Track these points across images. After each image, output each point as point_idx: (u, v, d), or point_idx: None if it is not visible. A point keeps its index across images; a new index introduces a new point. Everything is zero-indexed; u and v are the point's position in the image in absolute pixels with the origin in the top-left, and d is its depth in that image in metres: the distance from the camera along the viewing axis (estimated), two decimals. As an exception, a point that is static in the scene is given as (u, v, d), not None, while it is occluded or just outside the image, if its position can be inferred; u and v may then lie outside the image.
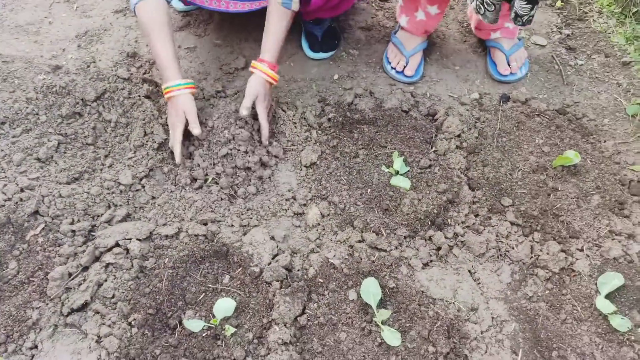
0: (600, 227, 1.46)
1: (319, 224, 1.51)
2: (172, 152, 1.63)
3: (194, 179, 1.57)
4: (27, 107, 1.68)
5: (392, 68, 1.91)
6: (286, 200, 1.56)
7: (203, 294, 1.37)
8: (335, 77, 1.90)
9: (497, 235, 1.47)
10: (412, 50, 1.89)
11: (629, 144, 1.69)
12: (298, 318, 1.30)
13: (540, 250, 1.43)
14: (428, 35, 1.93)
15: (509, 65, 1.89)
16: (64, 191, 1.49)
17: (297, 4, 1.55)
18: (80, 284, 1.33)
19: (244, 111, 1.55)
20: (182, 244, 1.43)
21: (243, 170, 1.56)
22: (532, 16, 1.56)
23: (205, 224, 1.48)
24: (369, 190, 1.55)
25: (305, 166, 1.63)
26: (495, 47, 1.92)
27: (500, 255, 1.44)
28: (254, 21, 1.97)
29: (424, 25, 1.86)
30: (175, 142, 1.56)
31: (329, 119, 1.73)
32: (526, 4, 1.51)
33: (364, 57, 1.98)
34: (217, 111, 1.65)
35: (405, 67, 1.89)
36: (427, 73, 1.94)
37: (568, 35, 2.05)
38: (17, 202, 1.46)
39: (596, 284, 1.35)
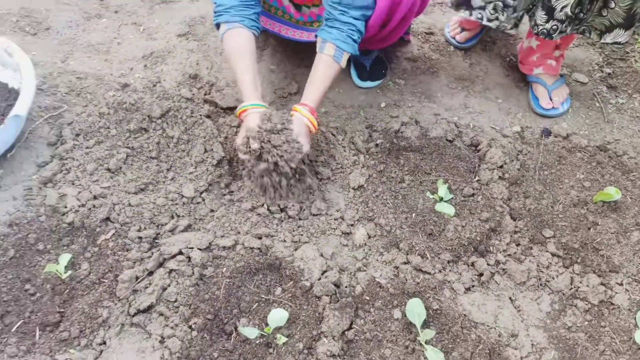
0: None
1: (365, 244, 1.59)
2: (229, 168, 1.74)
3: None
4: (99, 121, 1.83)
5: (449, 32, 2.26)
6: (334, 219, 1.66)
7: (256, 304, 1.46)
8: (382, 105, 2.00)
9: (538, 265, 1.53)
10: (468, 25, 2.17)
11: (669, 183, 1.74)
12: (346, 332, 1.39)
13: (580, 282, 1.49)
14: (466, 27, 2.20)
15: (551, 100, 1.97)
16: (133, 200, 1.62)
17: (345, 61, 1.63)
18: (147, 287, 1.45)
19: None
20: (238, 255, 1.54)
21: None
22: (548, 30, 1.69)
23: (260, 238, 1.58)
24: (414, 214, 1.63)
25: (353, 188, 1.72)
26: (537, 82, 2.00)
27: (541, 284, 1.50)
28: (306, 50, 2.09)
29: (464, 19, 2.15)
30: (238, 147, 1.61)
31: (377, 145, 1.83)
32: (544, 14, 1.66)
33: (410, 87, 2.08)
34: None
35: (459, 33, 2.19)
36: (470, 104, 2.02)
37: (609, 74, 2.12)
38: (90, 209, 1.59)
39: (635, 319, 1.40)
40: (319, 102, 1.64)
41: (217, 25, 1.70)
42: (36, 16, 2.29)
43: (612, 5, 1.61)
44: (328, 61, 1.60)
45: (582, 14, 1.65)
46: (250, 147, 1.56)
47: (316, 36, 1.65)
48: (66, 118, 1.85)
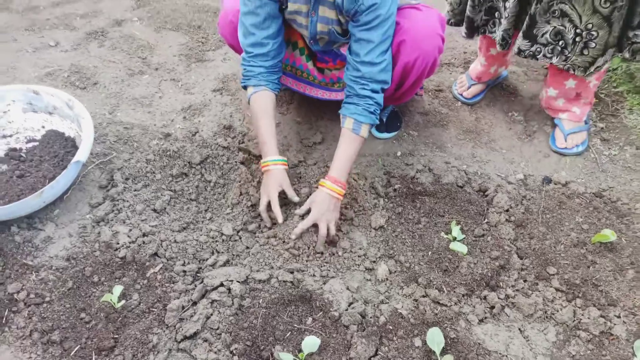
0: (635, 298, 1.67)
1: (387, 279, 1.76)
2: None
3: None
4: (146, 167, 2.05)
5: (456, 89, 2.53)
6: (358, 256, 1.83)
7: (289, 332, 1.61)
8: (398, 153, 2.22)
9: (543, 299, 1.69)
10: (475, 81, 2.44)
11: (659, 226, 1.92)
12: (372, 358, 1.53)
13: (582, 315, 1.65)
14: (482, 81, 2.47)
15: (565, 142, 2.22)
16: (179, 237, 1.81)
17: (366, 132, 1.79)
18: (192, 316, 1.60)
19: (296, 232, 1.78)
20: (273, 288, 1.70)
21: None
22: (533, 52, 2.00)
23: (292, 273, 1.75)
24: (430, 252, 1.81)
25: (374, 229, 1.91)
26: (558, 125, 2.27)
27: (547, 317, 1.66)
28: (328, 105, 2.33)
29: (477, 72, 2.44)
30: (262, 208, 1.84)
31: (395, 190, 2.03)
32: (528, 42, 1.98)
33: (422, 138, 2.31)
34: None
35: (465, 90, 2.47)
36: (477, 154, 2.24)
37: (602, 128, 2.35)
38: (140, 245, 1.78)
39: (632, 348, 1.55)
40: (343, 170, 1.79)
41: (245, 87, 1.94)
42: (85, 72, 2.57)
43: (593, 45, 1.88)
44: (348, 134, 1.79)
45: (566, 51, 1.93)
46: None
47: (339, 113, 1.86)
48: (116, 164, 2.06)
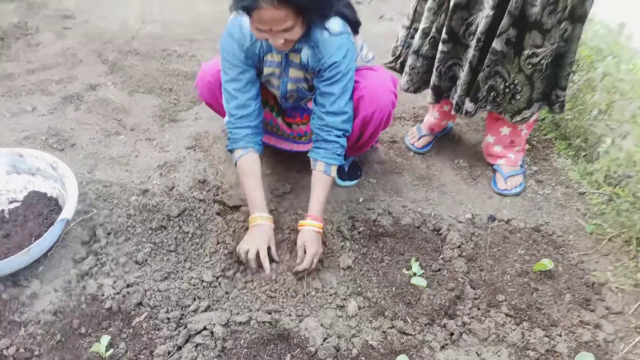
0: (572, 318, 1.91)
1: (357, 314, 1.93)
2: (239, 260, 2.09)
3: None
4: (127, 221, 2.18)
5: (408, 140, 2.80)
6: (330, 295, 2.00)
7: (270, 370, 1.75)
8: (360, 199, 2.45)
9: (495, 324, 1.90)
10: (425, 132, 2.73)
11: (589, 255, 2.20)
12: (347, 388, 1.68)
13: (529, 336, 1.86)
14: (433, 132, 2.76)
15: (505, 184, 2.52)
16: (161, 286, 1.93)
17: (335, 172, 2.06)
18: (179, 359, 1.71)
19: (304, 266, 1.96)
20: (252, 329, 1.83)
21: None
22: (474, 110, 2.32)
23: (270, 313, 1.89)
24: (394, 288, 2.01)
25: (342, 269, 2.09)
26: (497, 170, 2.57)
27: (499, 339, 1.86)
28: (296, 158, 2.56)
29: (429, 124, 2.71)
30: (252, 257, 1.99)
31: (359, 232, 2.24)
32: (473, 104, 2.29)
33: (381, 185, 2.55)
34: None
35: (416, 141, 2.74)
36: (430, 198, 2.50)
37: (536, 170, 2.68)
38: (124, 295, 1.88)
39: (574, 362, 1.77)
40: (320, 209, 2.04)
41: (231, 150, 2.13)
42: (62, 135, 2.70)
43: (518, 97, 2.24)
44: (320, 176, 2.05)
45: (498, 99, 2.27)
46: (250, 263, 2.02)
47: (309, 157, 2.10)
48: (97, 220, 2.18)
